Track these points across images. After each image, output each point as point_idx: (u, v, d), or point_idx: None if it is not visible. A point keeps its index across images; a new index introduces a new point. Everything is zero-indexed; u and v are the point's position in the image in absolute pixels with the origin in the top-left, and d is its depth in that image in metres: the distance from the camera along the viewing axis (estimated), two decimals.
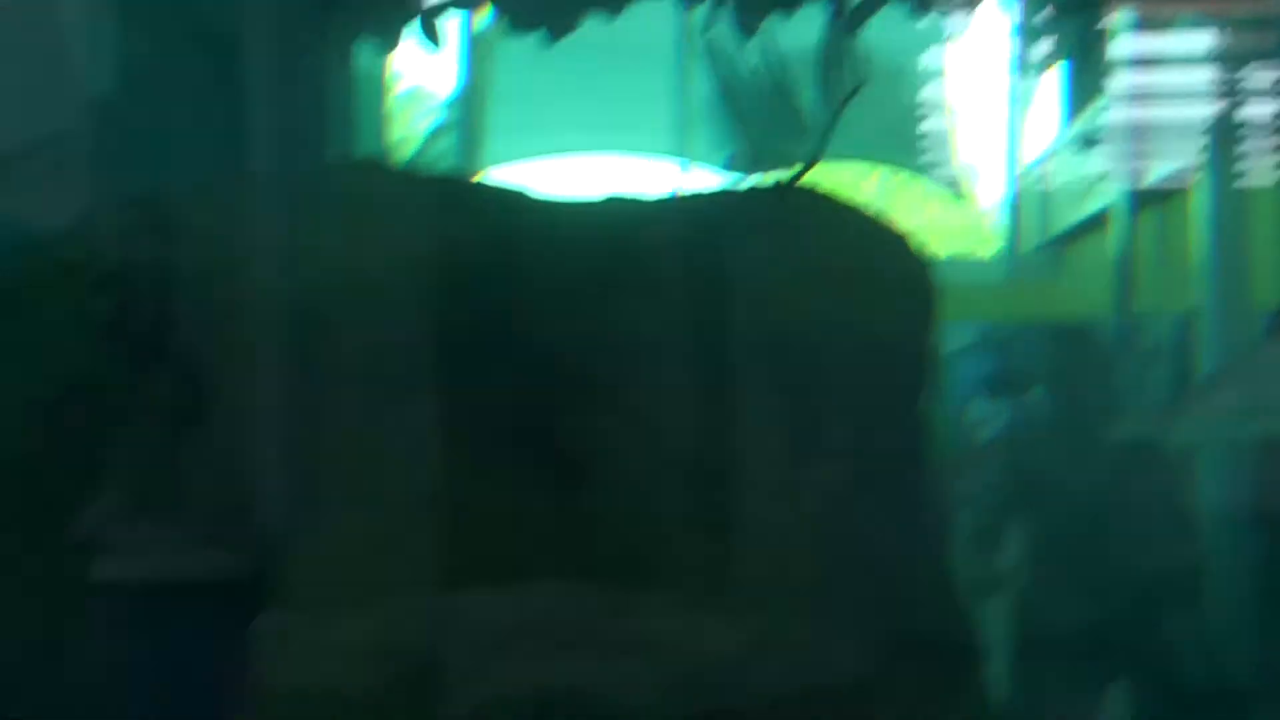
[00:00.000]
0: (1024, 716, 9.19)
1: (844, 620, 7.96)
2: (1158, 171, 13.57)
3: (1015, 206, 15.47)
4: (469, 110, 13.67)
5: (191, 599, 9.04)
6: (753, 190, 8.70)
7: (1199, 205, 12.66)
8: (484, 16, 10.65)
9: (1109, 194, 13.95)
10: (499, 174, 12.96)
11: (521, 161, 15.64)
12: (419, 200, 8.66)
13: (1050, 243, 15.03)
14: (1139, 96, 13.20)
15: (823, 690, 7.83)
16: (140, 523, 9.20)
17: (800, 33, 8.91)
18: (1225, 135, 12.57)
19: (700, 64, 8.76)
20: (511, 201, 8.82)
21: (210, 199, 8.69)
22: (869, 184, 17.69)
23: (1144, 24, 12.91)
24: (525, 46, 9.65)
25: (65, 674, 8.74)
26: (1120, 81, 13.28)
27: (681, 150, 9.69)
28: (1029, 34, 11.38)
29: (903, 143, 17.88)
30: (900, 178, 18.58)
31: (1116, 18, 12.15)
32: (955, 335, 11.71)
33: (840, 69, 8.41)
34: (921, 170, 18.57)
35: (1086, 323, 13.38)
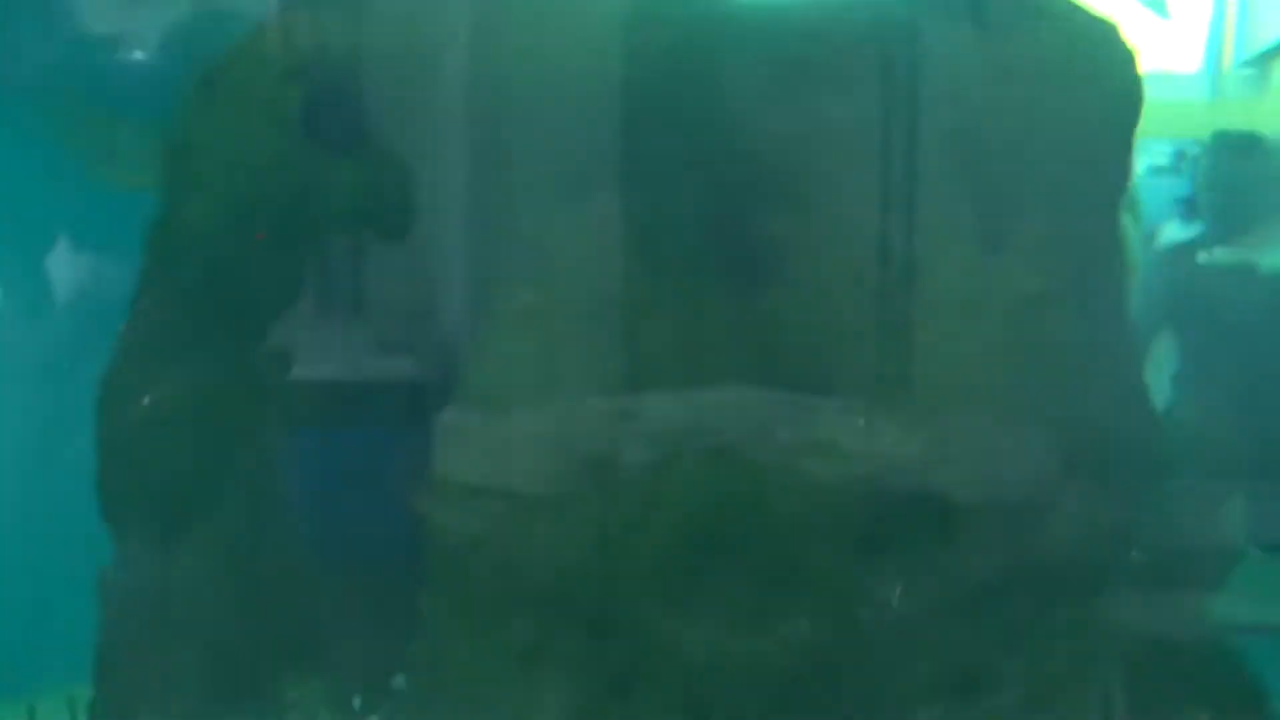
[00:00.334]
0: (1192, 533, 8.93)
1: (1027, 429, 7.79)
2: None
3: (1219, 21, 14.85)
4: None
5: (376, 399, 9.18)
6: None
7: None
8: None
9: None
10: None
11: None
12: None
13: (1255, 60, 14.42)
14: None
15: (1001, 502, 7.69)
16: (329, 326, 9.33)
17: None
18: None
19: None
20: None
21: None
22: None
23: None
24: None
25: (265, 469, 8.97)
26: None
27: None
28: None
29: None
30: None
31: None
32: (1153, 152, 11.34)
33: None
34: None
35: None
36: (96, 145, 10.55)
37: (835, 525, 7.58)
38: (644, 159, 8.09)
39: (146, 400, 8.99)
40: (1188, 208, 11.85)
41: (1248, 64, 14.23)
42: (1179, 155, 12.59)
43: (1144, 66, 7.93)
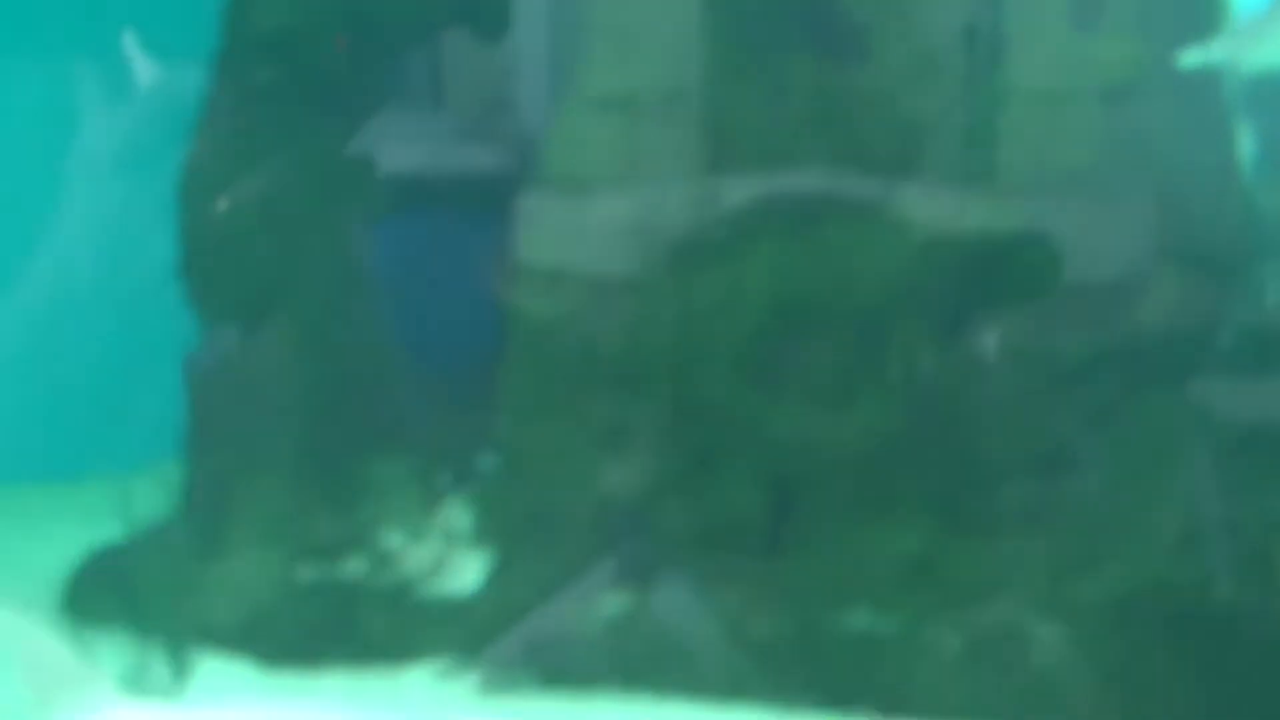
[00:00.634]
0: None
1: (1117, 212, 7.66)
2: None
3: None
4: None
5: (458, 187, 9.16)
6: None
7: None
8: None
9: None
10: None
11: None
12: None
13: None
14: None
15: (1090, 283, 7.59)
16: (410, 116, 9.30)
17: None
18: None
19: None
20: None
21: None
22: None
23: None
24: None
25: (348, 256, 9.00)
26: None
27: None
28: None
29: None
30: None
31: None
32: None
33: None
34: None
35: None
36: None
37: (920, 306, 7.51)
38: None
39: (224, 203, 9.02)
40: None
41: None
42: None
43: None
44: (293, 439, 8.78)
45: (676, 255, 7.90)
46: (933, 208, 7.66)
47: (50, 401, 11.10)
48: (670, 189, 8.06)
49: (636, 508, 7.83)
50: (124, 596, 7.41)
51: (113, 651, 7.21)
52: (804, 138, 7.92)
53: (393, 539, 8.57)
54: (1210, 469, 7.43)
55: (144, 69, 10.97)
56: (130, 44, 11.07)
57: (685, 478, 7.74)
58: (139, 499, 7.45)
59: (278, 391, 8.84)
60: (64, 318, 10.93)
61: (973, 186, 7.72)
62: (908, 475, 7.49)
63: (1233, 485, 7.37)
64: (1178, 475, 7.41)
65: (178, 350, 9.37)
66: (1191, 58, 6.77)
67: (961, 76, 7.83)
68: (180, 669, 7.25)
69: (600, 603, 7.71)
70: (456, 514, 8.66)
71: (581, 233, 8.18)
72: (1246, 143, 9.02)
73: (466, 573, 8.32)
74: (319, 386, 8.81)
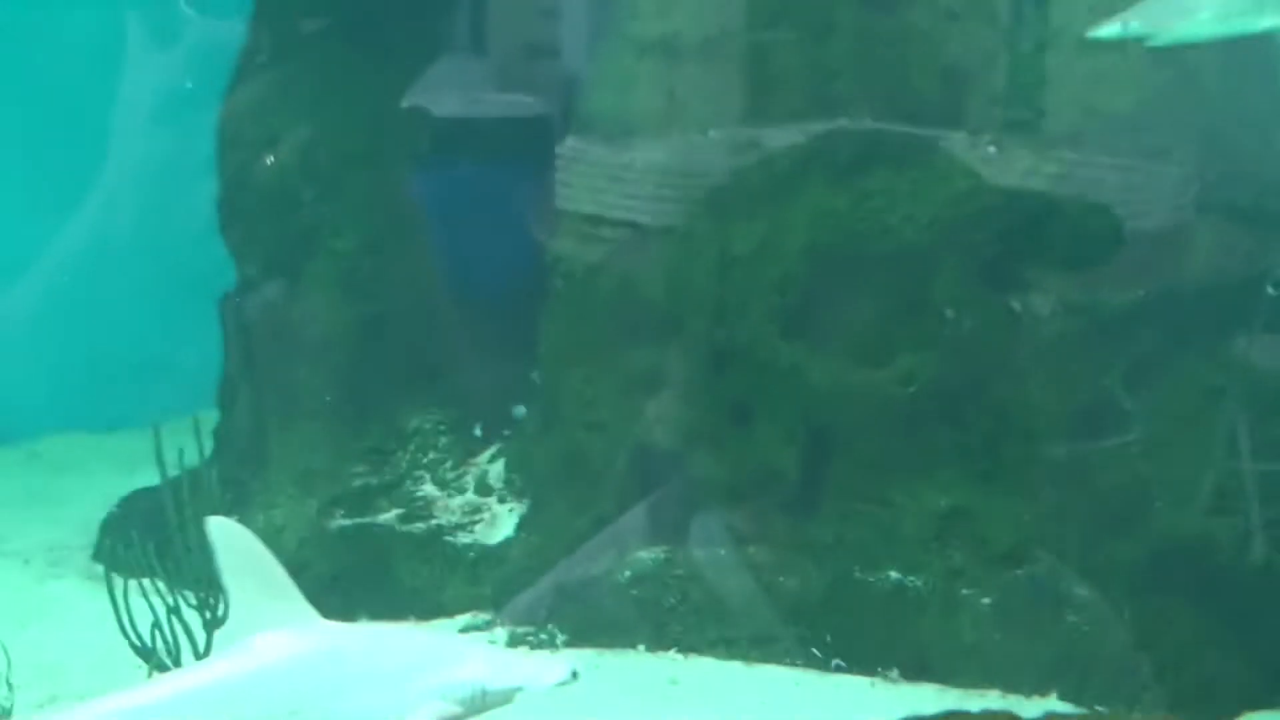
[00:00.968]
0: None
1: (1161, 161, 7.53)
2: None
3: None
4: None
5: (499, 134, 9.10)
6: None
7: None
8: None
9: None
10: None
11: None
12: None
13: None
14: None
15: (1133, 232, 7.46)
16: (452, 62, 9.23)
17: None
18: None
19: None
20: None
21: None
22: None
23: None
24: None
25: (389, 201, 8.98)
26: None
27: None
28: None
29: None
30: None
31: None
32: None
33: None
34: None
35: None
36: None
37: (962, 255, 7.40)
38: None
39: (270, 159, 9.00)
40: None
41: None
42: None
43: None
44: (329, 388, 8.78)
45: (716, 201, 7.82)
46: (976, 155, 7.53)
47: (90, 352, 11.14)
48: (711, 134, 7.97)
49: (671, 458, 7.78)
50: (158, 543, 7.41)
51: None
52: (846, 83, 7.80)
53: (427, 488, 8.57)
54: (1250, 425, 7.31)
55: (187, 18, 10.93)
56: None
57: (720, 429, 7.68)
58: (175, 447, 7.45)
59: (316, 340, 8.83)
60: (104, 269, 10.95)
61: (1017, 134, 7.58)
62: (945, 430, 7.40)
63: (1272, 442, 7.26)
64: (1217, 432, 7.29)
65: (215, 300, 9.39)
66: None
67: (1007, 21, 7.69)
68: (213, 617, 7.25)
69: (632, 553, 7.68)
70: (490, 463, 8.64)
71: (621, 178, 8.10)
72: None
73: (499, 522, 8.31)
74: (357, 336, 8.79)
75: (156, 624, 7.10)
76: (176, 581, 7.34)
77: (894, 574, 7.34)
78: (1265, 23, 6.73)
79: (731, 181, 7.83)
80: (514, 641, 7.49)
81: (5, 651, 6.95)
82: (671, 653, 7.23)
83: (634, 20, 8.20)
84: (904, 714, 6.05)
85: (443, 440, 8.71)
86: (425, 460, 8.64)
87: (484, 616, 7.82)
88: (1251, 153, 7.83)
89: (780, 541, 7.53)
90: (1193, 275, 7.49)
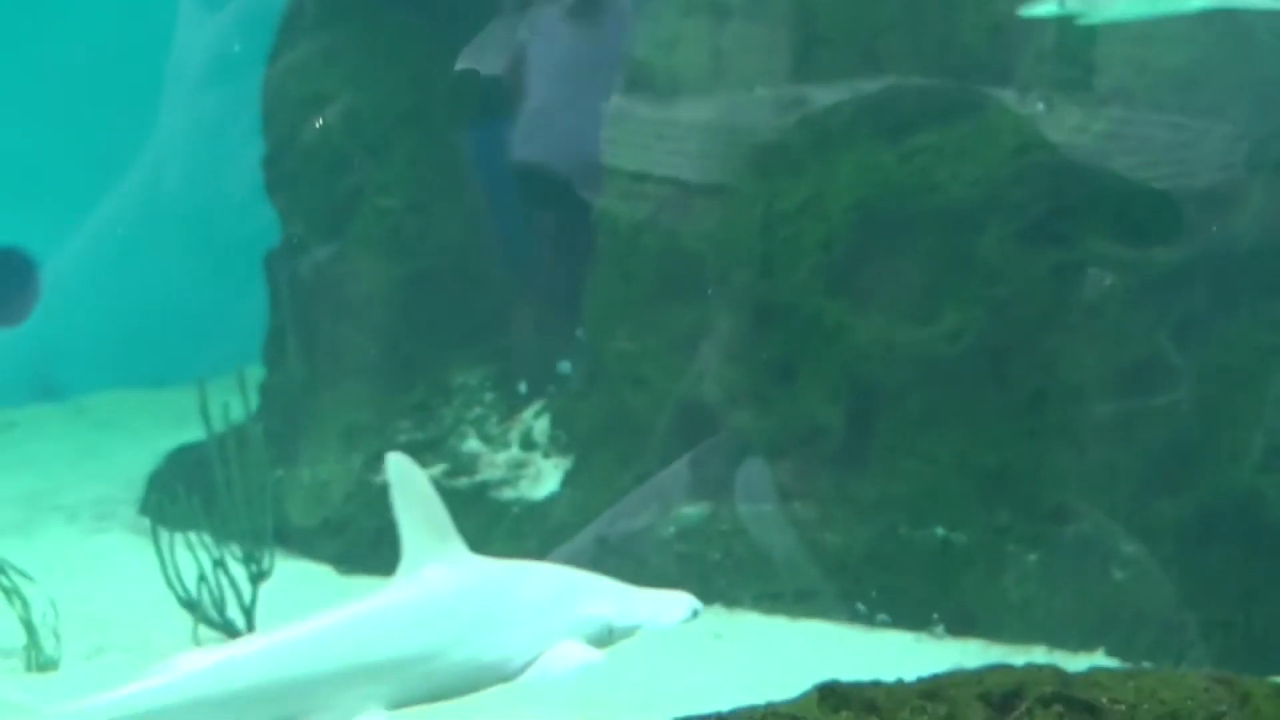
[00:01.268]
0: None
1: (1212, 118, 7.45)
2: None
3: None
4: None
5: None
6: None
7: None
8: None
9: None
10: None
11: None
12: None
13: None
14: None
15: (1183, 191, 7.39)
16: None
17: None
18: None
19: None
20: None
21: None
22: None
23: None
24: None
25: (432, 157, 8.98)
26: None
27: None
28: None
29: None
30: None
31: None
32: None
33: None
34: None
35: None
36: None
37: (1009, 212, 7.35)
38: None
39: (319, 122, 9.01)
40: None
41: None
42: None
43: None
44: (375, 344, 8.80)
45: (762, 159, 7.79)
46: (1024, 112, 7.47)
47: (138, 308, 11.22)
48: (757, 91, 7.93)
49: (715, 414, 7.77)
50: (204, 498, 7.46)
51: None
52: (894, 39, 7.75)
53: (471, 443, 8.58)
54: None
55: None
56: None
57: (764, 385, 7.66)
58: (222, 403, 7.52)
59: (361, 297, 8.86)
60: (153, 226, 11.02)
61: (1066, 91, 7.51)
62: (991, 387, 7.37)
63: None
64: (1267, 389, 7.24)
65: (262, 258, 9.43)
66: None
67: None
68: (259, 571, 7.30)
69: (676, 508, 7.68)
70: (535, 419, 8.65)
71: (668, 135, 8.08)
72: None
73: (544, 477, 8.32)
74: (403, 293, 8.81)
75: (202, 577, 7.19)
76: (222, 535, 7.42)
77: (939, 530, 7.32)
78: (1196, 4, 6.71)
79: (777, 139, 7.79)
80: None
81: (53, 603, 7.02)
82: (716, 607, 7.21)
83: None
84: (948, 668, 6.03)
85: (488, 396, 8.73)
86: (470, 416, 8.65)
87: None
88: None
89: (825, 497, 7.51)
90: (1243, 233, 7.40)
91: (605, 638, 4.83)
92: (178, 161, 11.12)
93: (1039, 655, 6.82)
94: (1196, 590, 6.96)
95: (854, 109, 7.67)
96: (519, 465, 8.39)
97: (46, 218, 11.01)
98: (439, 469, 8.36)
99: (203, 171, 10.95)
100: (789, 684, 3.38)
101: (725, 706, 3.36)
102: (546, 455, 8.42)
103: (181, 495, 7.44)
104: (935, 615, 7.26)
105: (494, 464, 8.41)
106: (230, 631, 7.18)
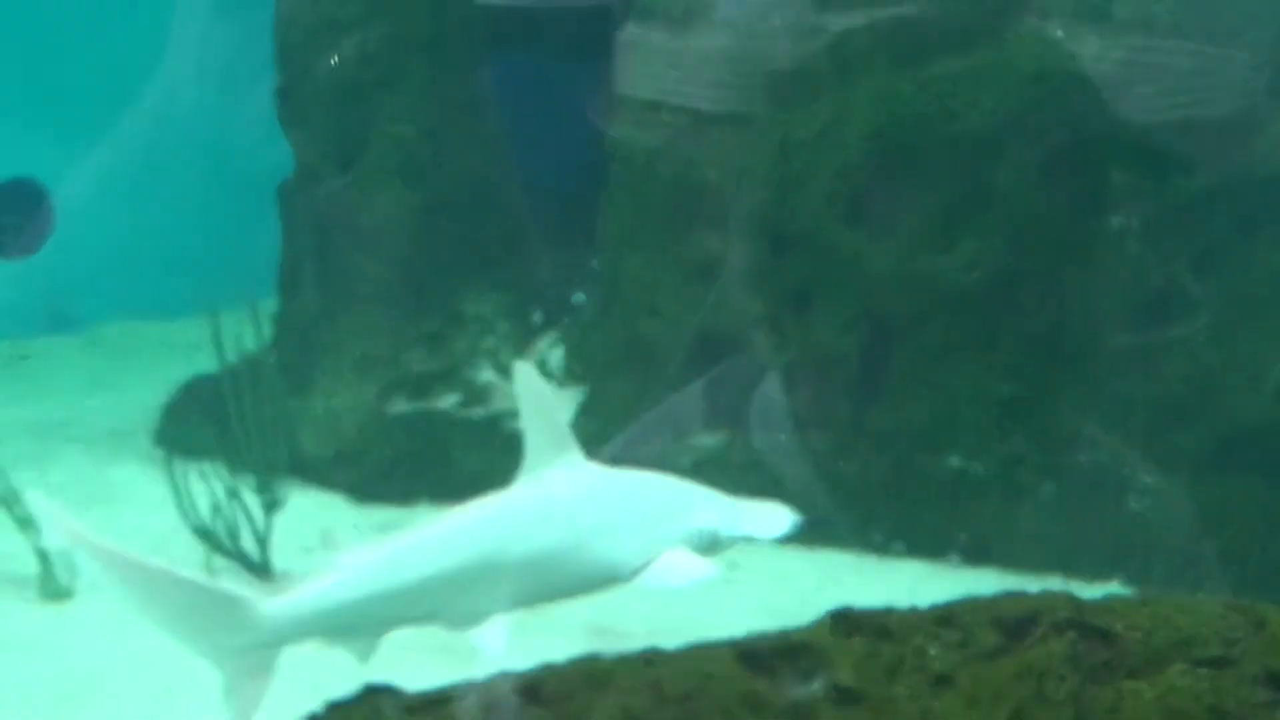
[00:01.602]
0: None
1: (1232, 46, 7.37)
2: None
3: None
4: None
5: (559, 21, 9.02)
6: None
7: None
8: None
9: None
10: None
11: None
12: None
13: None
14: None
15: (1202, 120, 7.32)
16: None
17: None
18: None
19: None
20: None
21: None
22: None
23: None
24: None
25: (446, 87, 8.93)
26: None
27: None
28: None
29: None
30: None
31: None
32: None
33: None
34: None
35: None
36: None
37: (1027, 140, 7.29)
38: None
39: (335, 59, 8.94)
40: None
41: None
42: None
43: None
44: (388, 274, 8.77)
45: (777, 87, 7.73)
46: (1043, 40, 7.40)
47: (151, 240, 11.21)
48: (772, 19, 7.86)
49: (730, 343, 7.74)
50: (219, 428, 7.47)
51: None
52: None
53: (485, 373, 8.56)
54: None
55: None
56: None
57: (780, 314, 7.63)
58: (235, 334, 7.52)
59: (375, 226, 8.81)
60: (165, 158, 10.99)
61: (1084, 18, 7.44)
62: (1008, 316, 7.33)
63: None
64: None
65: (275, 190, 9.39)
66: None
67: None
68: (272, 500, 7.30)
69: (691, 437, 7.66)
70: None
71: (682, 64, 8.01)
72: None
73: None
74: (417, 222, 8.76)
75: (217, 507, 7.20)
76: (236, 465, 7.42)
77: (955, 460, 7.30)
78: None
79: (793, 67, 7.72)
80: None
81: None
82: None
83: None
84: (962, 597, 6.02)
85: (502, 326, 8.70)
86: (484, 346, 8.63)
87: None
88: None
89: (840, 427, 7.49)
90: (1262, 161, 7.34)
91: (713, 547, 4.89)
92: (191, 91, 11.06)
93: (1054, 584, 6.79)
94: (1214, 519, 6.94)
95: (871, 36, 7.60)
96: None
97: (59, 148, 10.97)
98: (453, 399, 8.34)
99: (216, 101, 10.89)
100: (804, 613, 3.37)
101: (739, 634, 3.34)
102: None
103: (196, 425, 7.44)
104: (953, 543, 7.26)
105: (508, 394, 8.38)
106: (244, 561, 7.19)
